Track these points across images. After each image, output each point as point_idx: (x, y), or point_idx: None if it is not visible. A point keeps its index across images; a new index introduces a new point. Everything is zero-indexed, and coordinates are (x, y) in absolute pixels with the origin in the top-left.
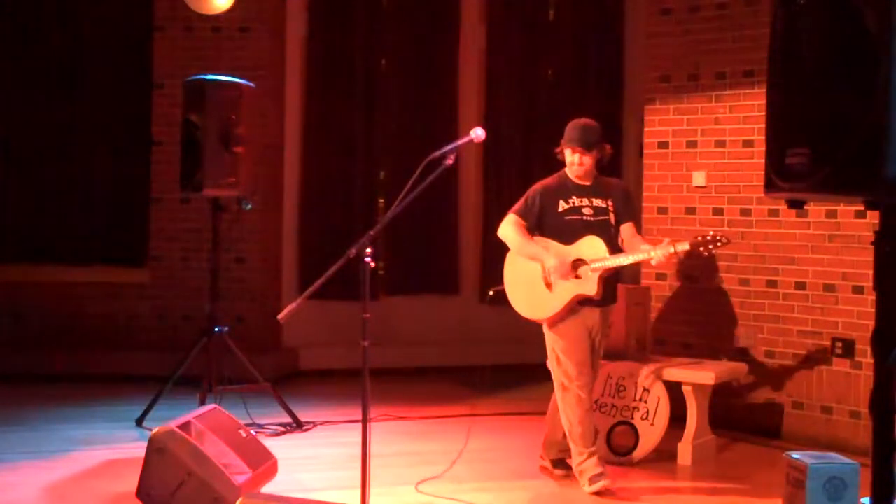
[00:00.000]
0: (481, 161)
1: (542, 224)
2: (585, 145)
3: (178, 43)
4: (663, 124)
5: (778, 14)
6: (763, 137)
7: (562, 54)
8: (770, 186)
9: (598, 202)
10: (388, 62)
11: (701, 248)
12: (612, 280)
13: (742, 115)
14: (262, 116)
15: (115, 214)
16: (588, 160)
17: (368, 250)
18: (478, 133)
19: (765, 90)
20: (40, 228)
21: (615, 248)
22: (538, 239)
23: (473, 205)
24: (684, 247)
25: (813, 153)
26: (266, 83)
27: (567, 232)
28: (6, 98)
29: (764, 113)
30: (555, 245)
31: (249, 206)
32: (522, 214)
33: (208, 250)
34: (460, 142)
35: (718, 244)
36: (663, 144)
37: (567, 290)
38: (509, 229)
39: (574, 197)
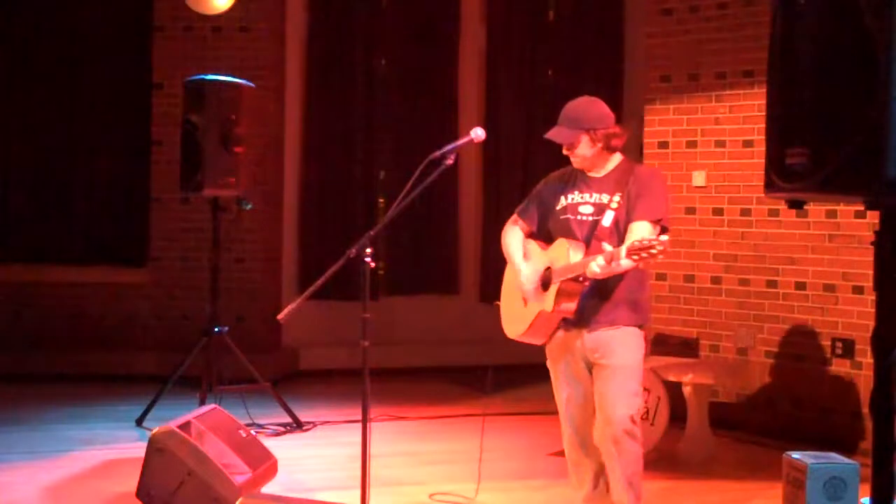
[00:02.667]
0: (481, 161)
1: (547, 225)
2: (562, 131)
3: (178, 43)
4: (663, 124)
5: (778, 14)
6: (763, 137)
7: (562, 54)
8: (770, 186)
9: (602, 198)
10: (388, 62)
11: (635, 257)
12: (594, 294)
13: (742, 115)
14: (262, 116)
15: (115, 214)
16: (579, 149)
17: (368, 250)
18: (478, 133)
19: (765, 90)
20: (40, 228)
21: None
22: (528, 242)
23: (473, 205)
24: (620, 253)
25: (813, 153)
26: (266, 83)
27: (561, 235)
28: (6, 98)
29: (764, 113)
30: (536, 251)
31: (249, 206)
32: (521, 213)
33: (208, 250)
34: (460, 142)
35: (653, 252)
36: (663, 144)
37: (533, 307)
38: (504, 231)
39: (576, 192)
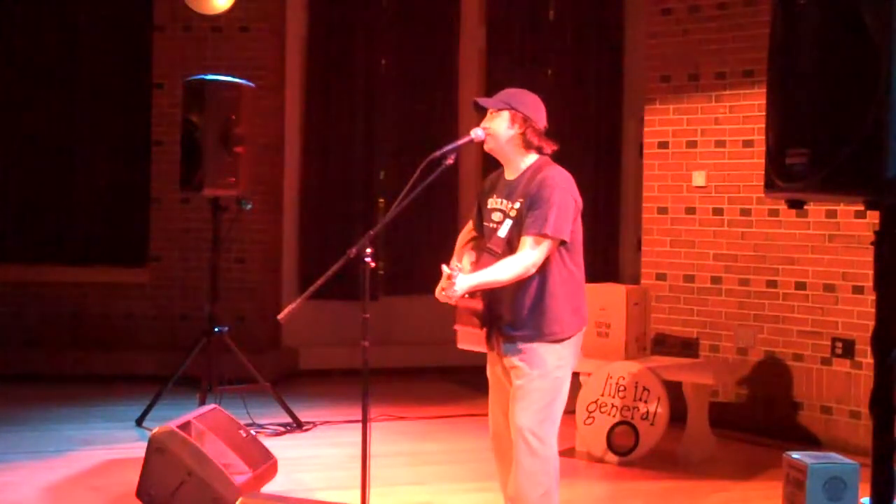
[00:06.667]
0: (481, 161)
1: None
2: (485, 107)
3: (178, 43)
4: (663, 124)
5: (778, 14)
6: (763, 137)
7: (562, 54)
8: (770, 186)
9: (507, 203)
10: (388, 62)
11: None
12: (504, 308)
13: (742, 115)
14: (262, 116)
15: (115, 214)
16: (495, 123)
17: (368, 250)
18: (478, 133)
19: (765, 90)
20: (41, 228)
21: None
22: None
23: (473, 205)
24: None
25: (813, 153)
26: (266, 83)
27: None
28: (6, 98)
29: (764, 113)
30: (467, 258)
31: (249, 206)
32: (473, 217)
33: (208, 250)
34: (460, 142)
35: (448, 286)
36: (663, 144)
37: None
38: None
39: (495, 196)
